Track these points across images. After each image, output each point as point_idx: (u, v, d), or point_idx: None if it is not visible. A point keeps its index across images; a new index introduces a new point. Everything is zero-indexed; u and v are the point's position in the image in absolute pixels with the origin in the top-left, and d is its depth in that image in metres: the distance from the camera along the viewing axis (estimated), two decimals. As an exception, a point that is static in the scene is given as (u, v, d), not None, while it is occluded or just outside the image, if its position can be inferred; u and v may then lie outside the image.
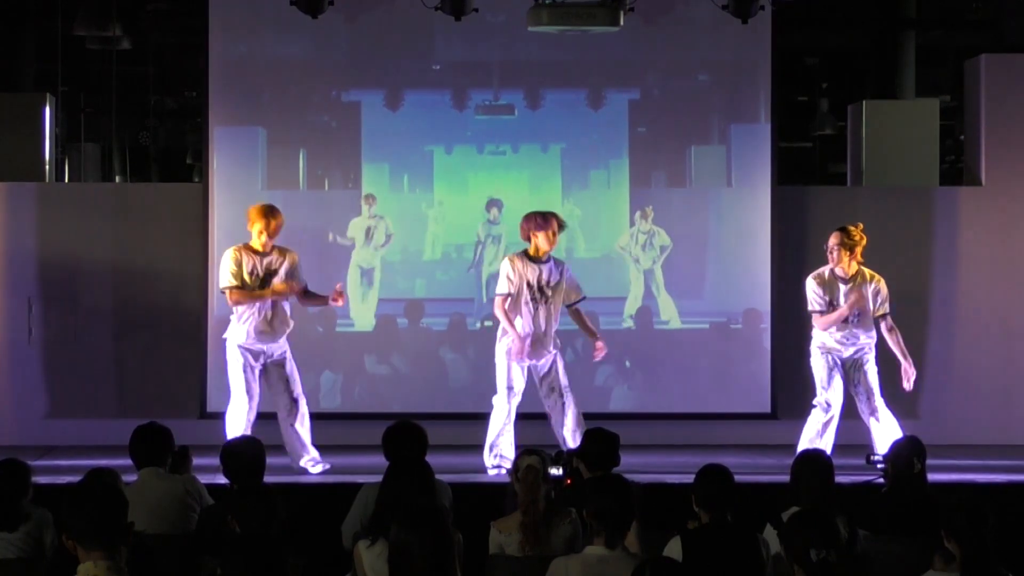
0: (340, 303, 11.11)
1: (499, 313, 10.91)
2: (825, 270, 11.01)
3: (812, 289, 10.96)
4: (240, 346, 10.84)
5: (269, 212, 10.87)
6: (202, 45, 13.08)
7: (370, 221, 13.07)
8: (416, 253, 13.24)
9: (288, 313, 10.96)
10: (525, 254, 10.95)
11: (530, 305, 10.89)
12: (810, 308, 10.98)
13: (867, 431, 10.94)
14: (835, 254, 10.90)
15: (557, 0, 11.38)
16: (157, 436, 8.05)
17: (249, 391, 10.81)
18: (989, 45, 13.94)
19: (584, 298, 11.12)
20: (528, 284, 10.88)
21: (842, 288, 10.93)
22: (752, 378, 13.11)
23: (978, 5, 15.74)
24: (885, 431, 10.77)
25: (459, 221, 13.20)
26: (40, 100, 13.59)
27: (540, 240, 10.89)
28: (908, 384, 10.95)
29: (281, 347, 10.94)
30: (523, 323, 10.85)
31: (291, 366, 10.96)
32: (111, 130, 18.03)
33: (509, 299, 10.88)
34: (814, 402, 10.99)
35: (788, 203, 13.22)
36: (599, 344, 11.14)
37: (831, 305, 10.91)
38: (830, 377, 10.95)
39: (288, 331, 10.94)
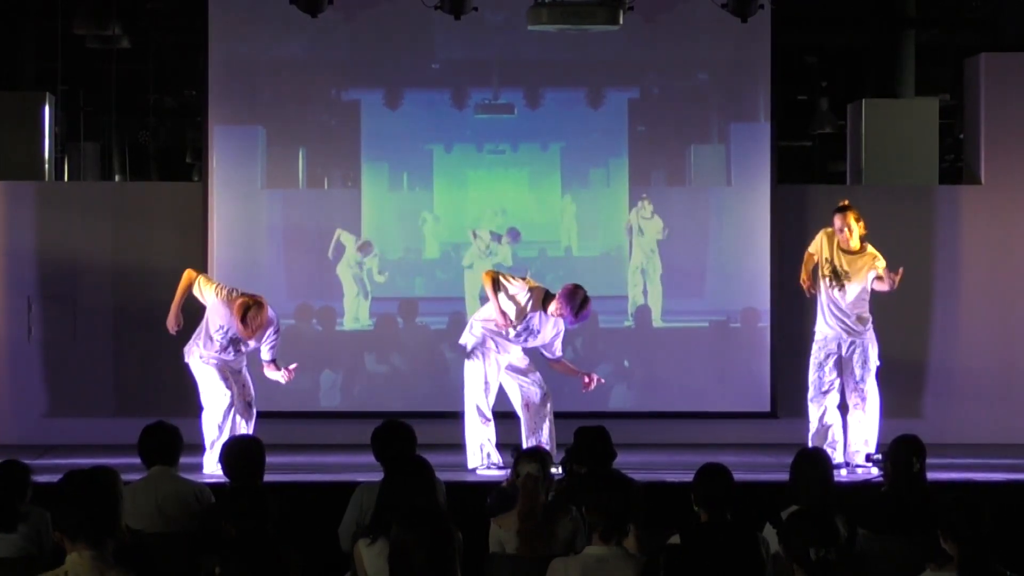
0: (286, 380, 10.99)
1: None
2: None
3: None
4: None
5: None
6: (202, 44, 13.08)
7: (359, 257, 13.09)
8: (416, 252, 13.24)
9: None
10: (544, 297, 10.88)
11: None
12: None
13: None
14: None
15: (556, -1, 11.40)
16: (166, 435, 8.04)
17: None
18: (988, 44, 13.93)
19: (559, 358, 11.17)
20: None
21: None
22: (752, 377, 13.11)
23: (978, 4, 15.71)
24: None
25: (458, 220, 13.20)
26: (40, 99, 13.60)
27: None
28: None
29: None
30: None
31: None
32: (110, 129, 18.02)
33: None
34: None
35: (787, 202, 13.21)
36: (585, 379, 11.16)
37: None
38: None
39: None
